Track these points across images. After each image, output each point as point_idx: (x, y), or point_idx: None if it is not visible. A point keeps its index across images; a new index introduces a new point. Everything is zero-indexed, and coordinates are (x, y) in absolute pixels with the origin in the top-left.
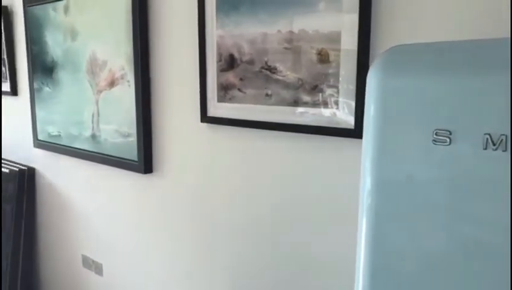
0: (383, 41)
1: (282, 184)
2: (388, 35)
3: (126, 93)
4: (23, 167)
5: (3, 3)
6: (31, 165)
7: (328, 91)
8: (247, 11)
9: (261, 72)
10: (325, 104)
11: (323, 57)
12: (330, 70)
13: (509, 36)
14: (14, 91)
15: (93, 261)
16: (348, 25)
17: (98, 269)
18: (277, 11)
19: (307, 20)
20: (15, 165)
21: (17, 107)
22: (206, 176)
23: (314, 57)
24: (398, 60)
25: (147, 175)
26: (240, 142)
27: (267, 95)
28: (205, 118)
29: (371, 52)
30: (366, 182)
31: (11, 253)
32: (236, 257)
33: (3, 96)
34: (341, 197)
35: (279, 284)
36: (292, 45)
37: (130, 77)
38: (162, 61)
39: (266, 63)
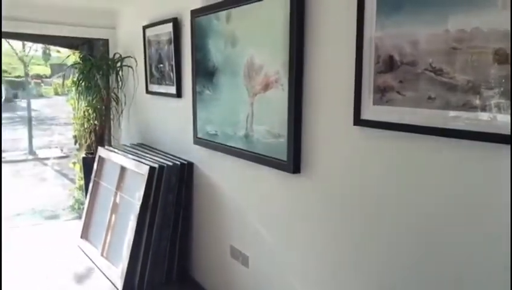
0: None
1: (439, 193)
2: None
3: (279, 96)
4: (184, 161)
5: (174, 15)
6: (190, 159)
7: (506, 95)
8: (410, 11)
9: (423, 74)
10: (502, 109)
11: (500, 58)
12: (509, 72)
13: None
14: (179, 93)
15: (240, 252)
16: None
17: (244, 260)
18: (445, 10)
19: (482, 17)
20: (177, 159)
21: (181, 108)
22: (355, 179)
23: (490, 58)
24: None
25: (295, 175)
26: (396, 147)
27: (429, 98)
28: (358, 121)
29: None
30: None
31: (170, 236)
32: (382, 260)
33: (169, 98)
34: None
35: None
36: (462, 45)
37: (284, 80)
38: (316, 64)
39: (430, 64)
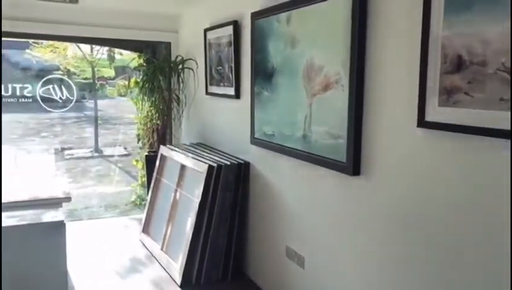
0: None
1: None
2: None
3: (339, 97)
4: (241, 161)
5: (235, 17)
6: (247, 159)
7: None
8: (482, 8)
9: (495, 74)
10: None
11: None
12: None
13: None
14: (237, 95)
15: (296, 253)
16: None
17: (300, 261)
18: None
19: None
20: (234, 158)
21: (239, 109)
22: (418, 183)
23: None
24: None
25: (354, 177)
26: (463, 150)
27: (501, 99)
28: (423, 122)
29: None
30: None
31: (227, 234)
32: (446, 264)
33: (228, 99)
34: None
35: None
36: None
37: (345, 81)
38: (378, 64)
39: (503, 64)
